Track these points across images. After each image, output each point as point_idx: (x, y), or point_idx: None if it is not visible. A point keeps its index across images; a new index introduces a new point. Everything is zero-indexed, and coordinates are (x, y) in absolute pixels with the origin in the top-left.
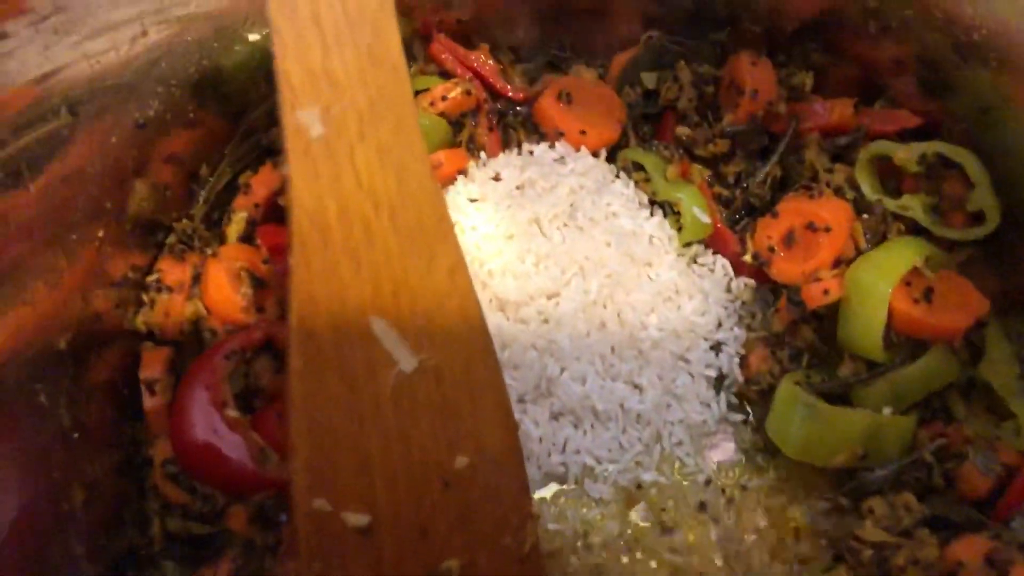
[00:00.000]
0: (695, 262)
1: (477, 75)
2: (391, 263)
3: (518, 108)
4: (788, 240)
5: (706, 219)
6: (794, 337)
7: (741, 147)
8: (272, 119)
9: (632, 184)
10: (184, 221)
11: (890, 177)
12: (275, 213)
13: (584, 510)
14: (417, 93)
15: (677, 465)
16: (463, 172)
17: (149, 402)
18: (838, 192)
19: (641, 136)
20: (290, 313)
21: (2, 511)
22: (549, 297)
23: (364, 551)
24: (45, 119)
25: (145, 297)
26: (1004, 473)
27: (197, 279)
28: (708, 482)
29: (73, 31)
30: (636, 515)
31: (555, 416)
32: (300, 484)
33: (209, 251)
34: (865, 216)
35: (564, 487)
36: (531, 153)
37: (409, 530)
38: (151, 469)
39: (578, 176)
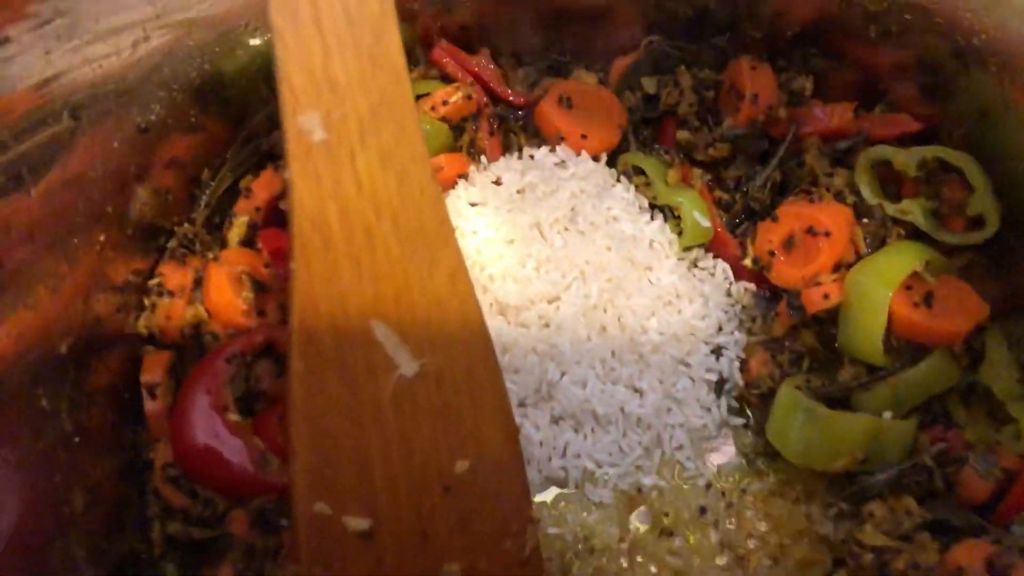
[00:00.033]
0: (695, 266)
1: (478, 79)
2: (392, 267)
3: (519, 112)
4: (788, 244)
5: (706, 223)
6: (794, 341)
7: (741, 151)
8: (273, 123)
9: (633, 188)
10: (185, 225)
11: (890, 181)
12: (276, 217)
13: (584, 514)
14: (418, 98)
15: (677, 469)
16: (464, 176)
17: (150, 406)
18: (838, 196)
19: (642, 140)
20: (291, 317)
21: (3, 515)
22: (550, 301)
23: (365, 555)
24: (47, 124)
25: (146, 301)
26: (1004, 477)
27: (198, 283)
28: (708, 486)
29: (75, 36)
30: (636, 519)
31: (555, 420)
32: (300, 488)
33: (210, 255)
34: (865, 220)
35: (564, 491)
36: (532, 157)
37: (410, 534)
38: (152, 473)
39: (579, 180)
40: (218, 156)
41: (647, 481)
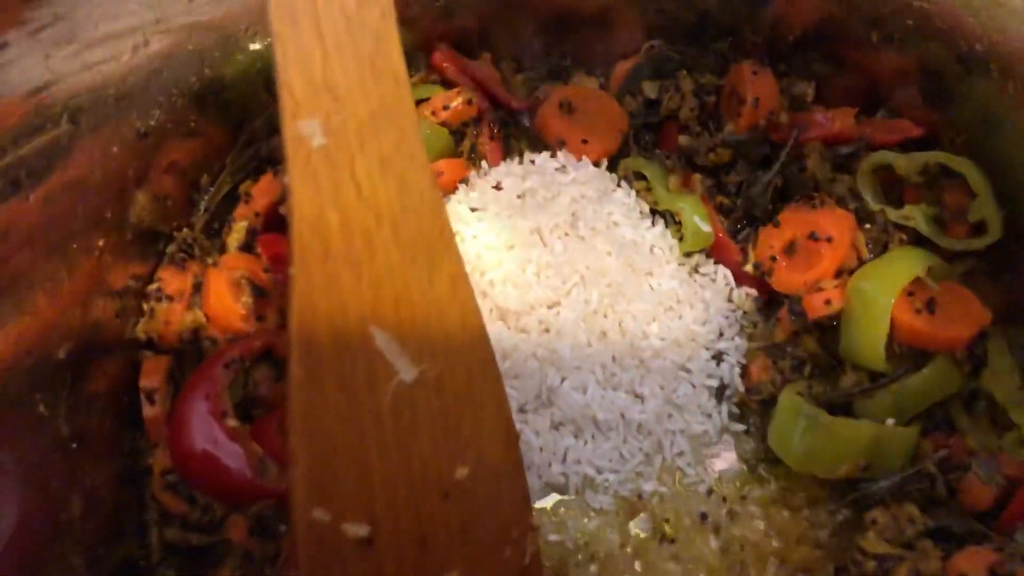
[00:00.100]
0: (696, 272)
1: (479, 84)
2: (392, 273)
3: (520, 117)
4: (790, 250)
5: (707, 229)
6: (796, 347)
7: (743, 157)
8: (273, 128)
9: (633, 193)
10: (185, 230)
11: (892, 187)
12: (276, 222)
13: (585, 521)
14: (418, 102)
15: (678, 475)
16: (464, 181)
17: (149, 411)
18: (840, 202)
19: (642, 145)
20: (290, 322)
21: (0, 521)
22: (550, 307)
23: (363, 562)
24: (45, 128)
25: (145, 306)
26: (1007, 484)
27: (197, 288)
28: (710, 492)
29: (74, 40)
30: (637, 526)
31: (556, 426)
32: (299, 494)
33: (210, 260)
34: (867, 226)
35: (565, 498)
36: (532, 162)
37: (409, 541)
38: (150, 479)
39: (579, 185)
40: (218, 161)
41: (648, 487)
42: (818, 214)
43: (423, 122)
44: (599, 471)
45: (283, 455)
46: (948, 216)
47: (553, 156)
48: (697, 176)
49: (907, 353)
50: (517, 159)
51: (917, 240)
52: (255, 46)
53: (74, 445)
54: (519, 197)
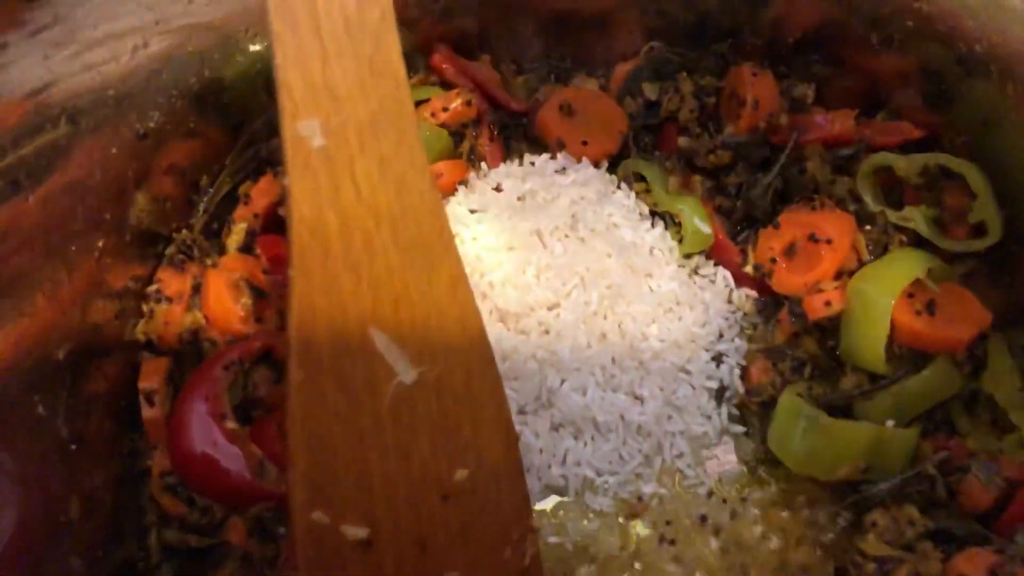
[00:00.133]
0: (696, 273)
1: (478, 86)
2: (391, 275)
3: (519, 119)
4: (790, 251)
5: (707, 230)
6: (796, 349)
7: (742, 158)
8: (272, 130)
9: (633, 195)
10: (184, 232)
11: (892, 189)
12: (275, 223)
13: (584, 522)
14: (418, 104)
15: (678, 477)
16: (464, 183)
17: (148, 413)
18: (840, 204)
19: (642, 147)
20: (290, 324)
21: None
22: (550, 308)
23: (363, 564)
24: (45, 130)
25: (145, 308)
26: (1007, 486)
27: (197, 289)
28: (710, 494)
29: (73, 42)
30: (637, 527)
31: (555, 427)
32: (298, 496)
33: (209, 262)
34: (867, 228)
35: (564, 499)
36: (532, 164)
37: (408, 543)
38: (149, 480)
39: (579, 187)
40: (217, 162)
41: (647, 489)
42: (818, 216)
43: (422, 124)
44: (599, 473)
45: (282, 457)
46: (948, 217)
47: (553, 158)
48: (697, 178)
49: (907, 355)
50: (517, 161)
51: (917, 242)
52: (255, 48)
53: (73, 446)
54: (519, 199)
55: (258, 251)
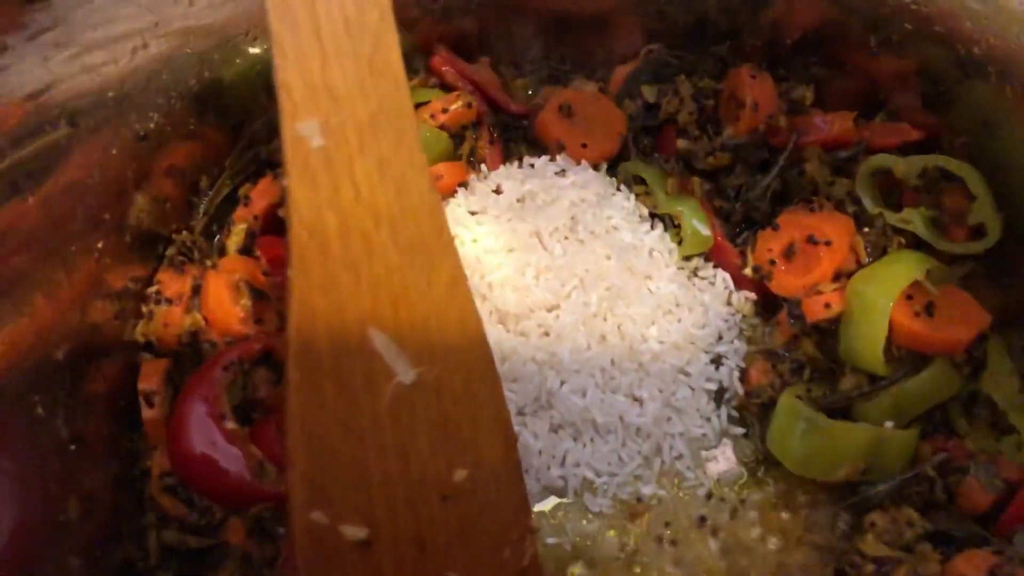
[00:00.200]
0: (695, 275)
1: (478, 88)
2: (391, 276)
3: (519, 121)
4: (789, 253)
5: (706, 232)
6: (795, 350)
7: (741, 160)
8: (272, 131)
9: (632, 197)
10: (184, 233)
11: (891, 191)
12: (275, 225)
13: (583, 524)
14: (418, 106)
15: (677, 479)
16: (464, 185)
17: (147, 414)
18: (839, 206)
19: (642, 149)
20: (289, 325)
21: None
22: (549, 310)
23: (362, 565)
24: (44, 131)
25: (144, 309)
26: (1006, 488)
27: (196, 291)
28: (709, 496)
29: (73, 43)
30: (636, 529)
31: (554, 429)
32: (297, 497)
33: (208, 263)
34: (866, 229)
35: (563, 501)
36: (532, 166)
37: (407, 544)
38: (149, 481)
39: (579, 189)
40: (217, 164)
41: (647, 490)
42: (817, 218)
43: (422, 125)
44: (598, 474)
45: (282, 457)
46: (947, 219)
47: (552, 160)
48: (696, 180)
49: (906, 356)
50: (516, 162)
51: (916, 243)
52: (255, 50)
53: (72, 447)
54: (518, 200)
55: (258, 253)
